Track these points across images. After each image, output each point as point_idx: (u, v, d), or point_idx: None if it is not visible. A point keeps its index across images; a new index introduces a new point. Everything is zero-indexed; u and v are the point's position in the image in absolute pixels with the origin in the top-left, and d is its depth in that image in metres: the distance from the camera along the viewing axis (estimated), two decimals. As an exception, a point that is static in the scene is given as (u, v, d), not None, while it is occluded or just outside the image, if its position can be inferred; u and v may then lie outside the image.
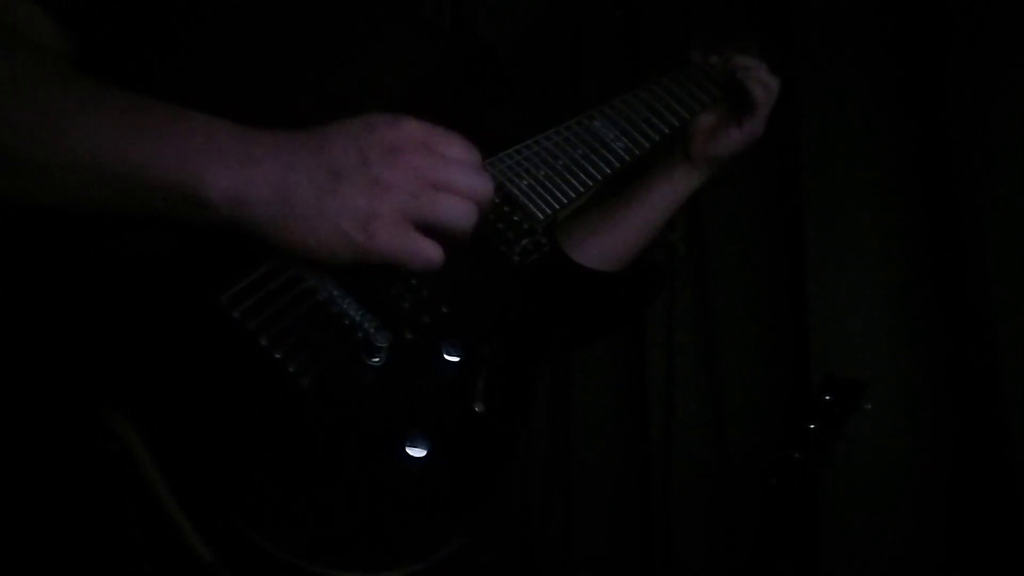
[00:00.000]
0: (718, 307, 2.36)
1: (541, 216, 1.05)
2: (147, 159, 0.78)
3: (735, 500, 2.24)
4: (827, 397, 1.77)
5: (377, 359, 0.84)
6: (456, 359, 0.88)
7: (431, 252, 0.83)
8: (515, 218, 1.03)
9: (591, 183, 1.11)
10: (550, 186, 1.08)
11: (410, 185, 0.82)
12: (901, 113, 2.18)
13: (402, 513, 0.80)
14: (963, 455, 2.03)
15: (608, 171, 1.14)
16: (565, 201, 1.08)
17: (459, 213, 0.84)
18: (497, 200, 1.03)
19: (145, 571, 0.77)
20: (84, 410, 0.75)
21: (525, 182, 1.07)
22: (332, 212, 0.79)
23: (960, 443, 2.04)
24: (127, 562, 0.77)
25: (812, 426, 1.76)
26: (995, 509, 1.95)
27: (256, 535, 0.73)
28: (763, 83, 1.35)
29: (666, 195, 1.37)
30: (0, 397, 0.76)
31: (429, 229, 0.83)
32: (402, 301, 0.90)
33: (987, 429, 1.98)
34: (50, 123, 0.79)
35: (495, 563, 0.89)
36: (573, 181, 1.10)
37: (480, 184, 0.86)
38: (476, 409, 0.88)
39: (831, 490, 2.08)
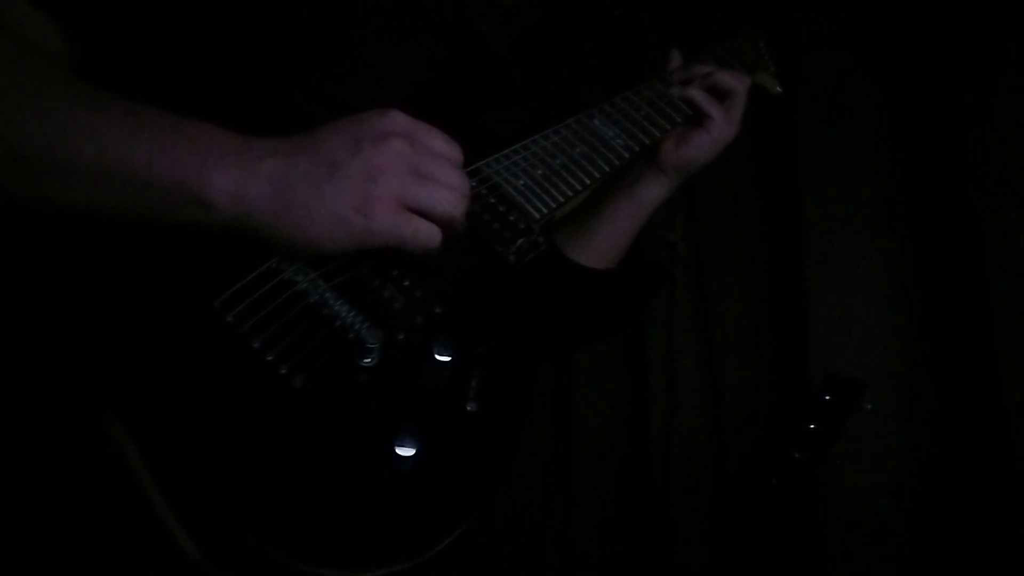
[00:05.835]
0: (718, 307, 2.35)
1: (537, 215, 1.04)
2: (152, 163, 0.80)
3: (735, 500, 2.24)
4: (827, 397, 1.77)
5: (368, 359, 0.84)
6: (447, 359, 0.88)
7: (429, 231, 0.87)
8: (511, 218, 1.03)
9: (589, 181, 1.11)
10: (547, 185, 1.07)
11: (401, 170, 0.86)
12: (901, 113, 2.18)
13: (391, 512, 0.80)
14: (963, 455, 2.03)
15: (607, 169, 1.13)
16: (562, 200, 1.07)
17: (448, 200, 0.88)
18: (493, 200, 1.03)
19: (134, 569, 0.77)
20: (79, 412, 0.75)
21: (522, 181, 1.06)
22: (330, 199, 0.83)
23: (960, 443, 2.04)
24: (117, 560, 0.77)
25: (812, 426, 1.76)
26: (995, 508, 1.95)
27: (245, 534, 0.73)
28: (724, 85, 1.30)
29: (629, 206, 1.30)
30: None
31: (422, 215, 0.87)
32: (394, 302, 0.90)
33: (987, 429, 1.98)
34: (57, 125, 0.80)
35: (495, 563, 0.88)
36: (571, 179, 1.09)
37: (459, 180, 0.91)
38: (468, 408, 0.88)
39: (831, 490, 2.08)
